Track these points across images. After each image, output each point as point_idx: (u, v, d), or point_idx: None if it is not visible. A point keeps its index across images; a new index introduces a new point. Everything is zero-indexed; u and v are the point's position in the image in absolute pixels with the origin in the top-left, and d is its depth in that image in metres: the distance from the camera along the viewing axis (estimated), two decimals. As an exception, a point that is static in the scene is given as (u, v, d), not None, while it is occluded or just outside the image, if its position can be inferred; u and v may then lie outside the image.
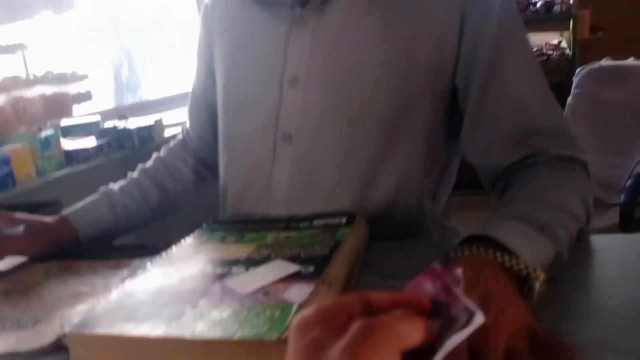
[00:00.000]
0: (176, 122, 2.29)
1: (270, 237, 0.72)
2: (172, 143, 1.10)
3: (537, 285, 0.50)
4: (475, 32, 0.72)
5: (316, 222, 0.73)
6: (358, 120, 0.75)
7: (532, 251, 0.52)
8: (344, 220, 0.71)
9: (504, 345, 0.40)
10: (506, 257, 0.50)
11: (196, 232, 0.79)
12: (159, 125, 2.09)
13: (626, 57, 2.92)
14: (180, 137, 1.11)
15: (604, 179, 2.53)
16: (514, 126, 0.72)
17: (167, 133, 2.21)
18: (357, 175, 0.76)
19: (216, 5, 0.89)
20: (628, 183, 2.27)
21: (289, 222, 0.76)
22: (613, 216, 2.24)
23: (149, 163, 1.05)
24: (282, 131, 0.78)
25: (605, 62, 2.65)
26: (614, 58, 2.74)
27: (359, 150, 0.76)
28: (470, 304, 0.34)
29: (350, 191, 0.77)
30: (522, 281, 0.50)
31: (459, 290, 0.35)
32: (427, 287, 0.37)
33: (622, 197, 2.23)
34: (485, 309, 0.32)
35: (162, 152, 1.08)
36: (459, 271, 0.39)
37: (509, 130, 0.72)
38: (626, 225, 2.20)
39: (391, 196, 0.78)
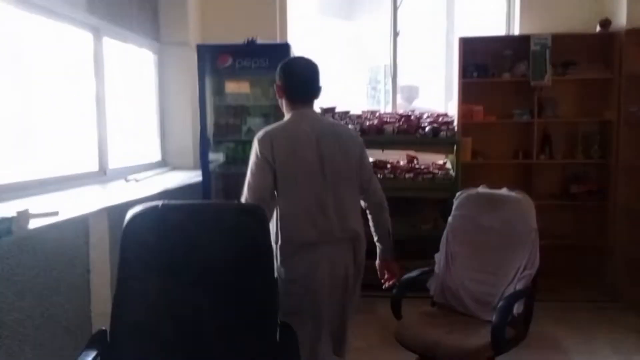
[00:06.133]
0: (49, 211, 2.06)
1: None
2: None
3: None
4: None
5: None
6: None
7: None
8: None
9: None
10: None
11: None
12: (22, 217, 1.87)
13: (501, 182, 3.23)
14: None
15: (478, 295, 2.67)
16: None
17: (34, 225, 1.92)
18: None
19: None
20: (500, 304, 2.39)
21: None
22: (485, 335, 2.32)
23: None
24: None
25: (481, 189, 2.89)
26: (490, 184, 3.00)
27: None
28: None
29: None
30: None
31: None
32: None
33: (494, 317, 2.33)
34: None
35: None
36: None
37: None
38: (497, 345, 2.29)
39: None
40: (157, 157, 4.11)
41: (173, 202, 1.91)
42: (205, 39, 4.33)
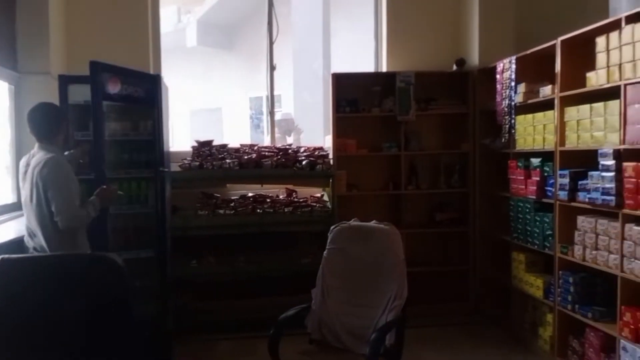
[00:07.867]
0: None
1: None
2: None
3: None
4: None
5: None
6: None
7: None
8: None
9: None
10: None
11: None
12: None
13: (375, 213, 3.37)
14: None
15: (353, 329, 2.72)
16: None
17: None
18: None
19: None
20: (372, 336, 2.45)
21: None
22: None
23: None
24: None
25: (353, 222, 2.99)
26: (364, 216, 3.12)
27: None
28: None
29: None
30: None
31: None
32: None
33: (367, 350, 2.39)
34: None
35: None
36: None
37: None
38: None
39: None
40: (11, 198, 3.71)
41: (15, 255, 1.74)
42: (72, 69, 4.04)
